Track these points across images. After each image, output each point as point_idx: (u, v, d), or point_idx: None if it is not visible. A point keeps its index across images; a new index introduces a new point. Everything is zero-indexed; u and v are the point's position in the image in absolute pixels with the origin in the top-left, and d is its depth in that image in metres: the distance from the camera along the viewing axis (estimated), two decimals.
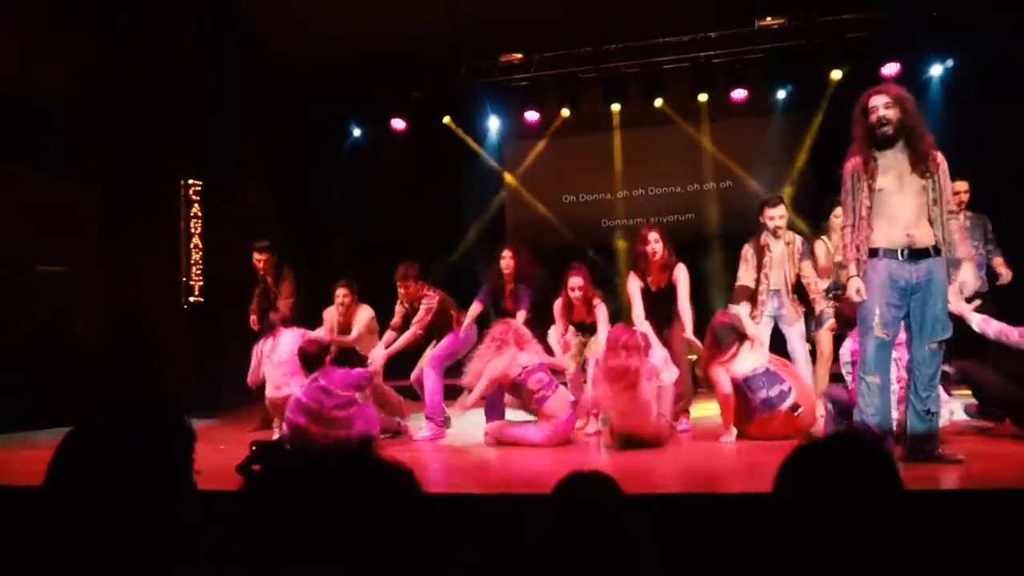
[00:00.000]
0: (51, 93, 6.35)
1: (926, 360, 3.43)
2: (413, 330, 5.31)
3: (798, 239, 5.06)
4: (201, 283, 7.38)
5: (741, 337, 4.55)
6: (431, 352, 5.40)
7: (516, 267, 5.33)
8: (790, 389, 4.34)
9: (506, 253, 5.39)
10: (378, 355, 5.30)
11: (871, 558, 1.02)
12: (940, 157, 3.50)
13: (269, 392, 5.17)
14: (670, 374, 4.54)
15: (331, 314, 5.88)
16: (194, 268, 7.36)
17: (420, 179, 8.69)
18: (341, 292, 5.75)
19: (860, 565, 1.02)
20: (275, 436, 5.13)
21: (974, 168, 5.37)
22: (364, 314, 5.80)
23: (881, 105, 3.46)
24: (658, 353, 4.57)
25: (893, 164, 3.46)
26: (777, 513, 1.07)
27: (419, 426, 5.20)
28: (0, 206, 6.06)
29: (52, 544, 1.09)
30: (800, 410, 4.32)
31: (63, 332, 6.45)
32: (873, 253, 3.47)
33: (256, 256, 5.93)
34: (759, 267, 4.98)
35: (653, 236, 4.96)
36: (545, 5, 7.63)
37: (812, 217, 6.69)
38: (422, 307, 5.31)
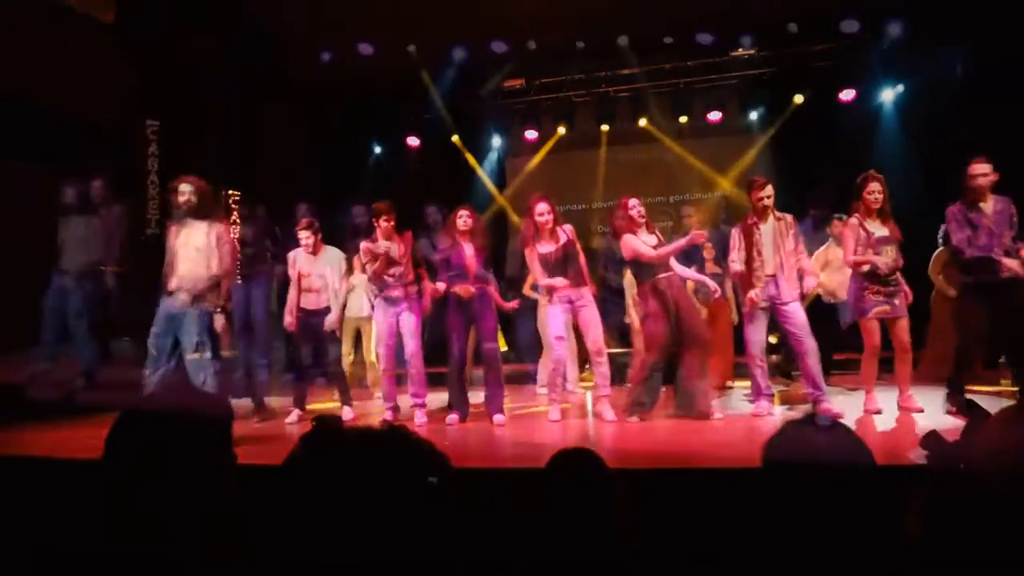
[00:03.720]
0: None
1: None
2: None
3: (788, 216, 4.58)
4: None
5: None
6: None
7: (473, 228, 4.74)
8: None
9: (463, 212, 4.77)
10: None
11: (844, 524, 0.99)
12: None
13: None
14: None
15: (296, 256, 5.03)
16: None
17: (432, 189, 8.67)
18: (304, 234, 4.93)
19: (835, 531, 0.99)
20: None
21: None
22: (334, 253, 5.09)
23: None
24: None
25: None
26: (766, 483, 1.06)
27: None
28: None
29: (113, 506, 1.08)
30: None
31: None
32: None
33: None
34: (750, 246, 4.49)
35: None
36: (545, 37, 7.79)
37: None
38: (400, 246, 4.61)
